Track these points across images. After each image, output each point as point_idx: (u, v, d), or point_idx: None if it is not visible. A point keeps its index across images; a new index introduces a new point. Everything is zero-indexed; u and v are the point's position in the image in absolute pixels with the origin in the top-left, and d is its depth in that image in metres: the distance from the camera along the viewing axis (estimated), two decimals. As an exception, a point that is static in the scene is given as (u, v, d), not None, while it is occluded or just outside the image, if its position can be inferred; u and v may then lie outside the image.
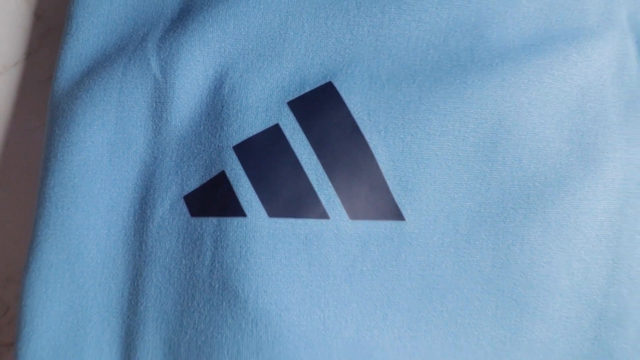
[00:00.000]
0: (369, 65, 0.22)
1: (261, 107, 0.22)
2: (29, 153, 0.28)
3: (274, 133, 0.22)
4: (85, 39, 0.25)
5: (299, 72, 0.23)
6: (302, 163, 0.22)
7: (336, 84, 0.22)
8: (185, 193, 0.22)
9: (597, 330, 0.23)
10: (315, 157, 0.22)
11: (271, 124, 0.22)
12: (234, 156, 0.22)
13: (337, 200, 0.21)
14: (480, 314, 0.22)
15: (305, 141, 0.22)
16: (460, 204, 0.22)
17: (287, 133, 0.22)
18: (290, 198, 0.21)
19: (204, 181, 0.22)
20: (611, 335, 0.23)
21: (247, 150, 0.22)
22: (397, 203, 0.22)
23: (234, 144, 0.22)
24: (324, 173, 0.22)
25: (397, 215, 0.22)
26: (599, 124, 0.23)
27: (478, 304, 0.22)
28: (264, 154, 0.22)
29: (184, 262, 0.22)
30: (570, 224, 0.22)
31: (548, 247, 0.22)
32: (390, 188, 0.22)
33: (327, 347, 0.21)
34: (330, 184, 0.22)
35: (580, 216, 0.23)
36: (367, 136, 0.22)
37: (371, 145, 0.22)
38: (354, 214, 0.22)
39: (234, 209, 0.21)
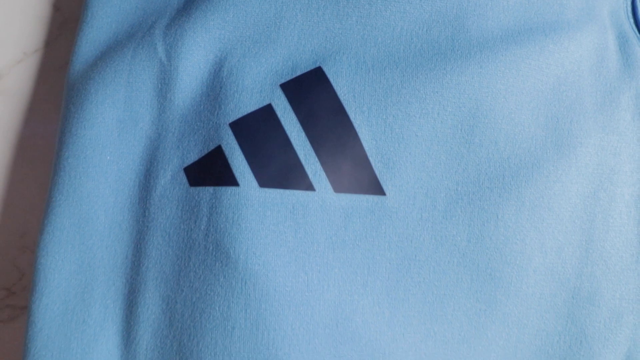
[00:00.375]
0: (356, 53, 0.24)
1: (256, 89, 0.24)
2: (46, 132, 0.30)
3: (267, 112, 0.23)
4: (99, 26, 0.27)
5: (292, 57, 0.24)
6: (292, 139, 0.23)
7: (325, 69, 0.24)
8: (185, 165, 0.24)
9: (570, 308, 0.24)
10: (303, 134, 0.23)
11: (264, 103, 0.24)
12: (230, 132, 0.23)
13: (323, 174, 0.23)
14: (455, 286, 0.23)
15: (295, 120, 0.23)
16: (439, 182, 0.23)
17: (279, 112, 0.23)
18: (279, 170, 0.23)
19: (203, 154, 0.24)
20: (584, 313, 0.24)
21: (242, 127, 0.23)
22: (379, 179, 0.23)
23: (230, 121, 0.24)
24: (311, 149, 0.23)
25: (379, 190, 0.23)
26: (574, 111, 0.24)
27: (454, 276, 0.23)
28: (257, 130, 0.23)
29: (182, 227, 0.23)
30: (544, 205, 0.24)
31: (522, 225, 0.23)
32: (373, 164, 0.23)
33: (309, 307, 0.22)
34: (316, 159, 0.23)
35: (553, 197, 0.24)
36: (351, 116, 0.23)
37: (355, 125, 0.23)
38: (338, 187, 0.23)
39: (228, 179, 0.23)
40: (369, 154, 0.23)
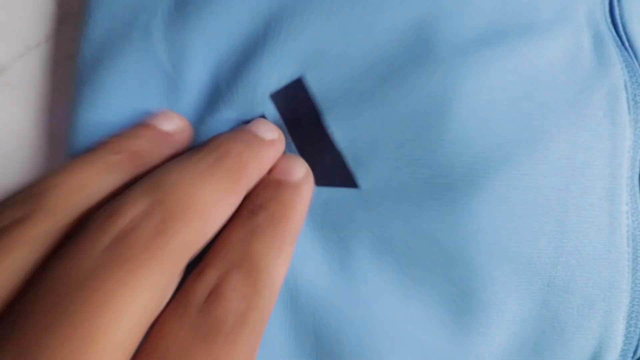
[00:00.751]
0: (336, 61, 0.25)
1: (248, 99, 0.25)
2: (48, 125, 0.31)
3: None
4: (95, 22, 0.27)
5: (278, 66, 0.25)
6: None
7: (306, 78, 0.25)
8: None
9: (545, 295, 0.24)
10: (289, 139, 0.25)
11: (258, 114, 0.25)
12: None
13: None
14: (430, 271, 0.24)
15: (284, 127, 0.25)
16: (411, 177, 0.24)
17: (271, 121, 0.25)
18: None
19: None
20: (558, 300, 0.25)
21: None
22: (353, 174, 0.25)
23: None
24: (297, 152, 0.25)
25: (353, 184, 0.25)
26: (546, 108, 0.25)
27: (427, 262, 0.24)
28: None
29: None
30: (517, 197, 0.24)
31: (495, 216, 0.24)
32: (347, 163, 0.25)
33: (294, 290, 0.24)
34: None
35: (525, 190, 0.24)
36: (326, 123, 0.25)
37: (330, 131, 0.25)
38: (317, 182, 0.25)
39: None
40: (343, 154, 0.25)
